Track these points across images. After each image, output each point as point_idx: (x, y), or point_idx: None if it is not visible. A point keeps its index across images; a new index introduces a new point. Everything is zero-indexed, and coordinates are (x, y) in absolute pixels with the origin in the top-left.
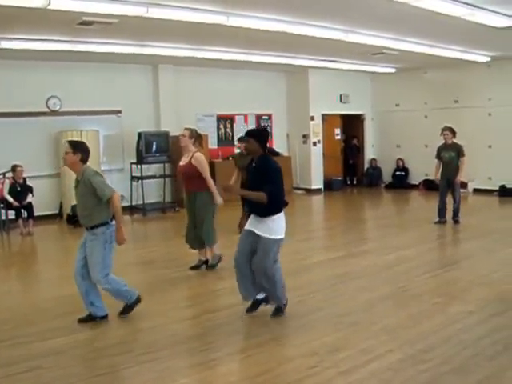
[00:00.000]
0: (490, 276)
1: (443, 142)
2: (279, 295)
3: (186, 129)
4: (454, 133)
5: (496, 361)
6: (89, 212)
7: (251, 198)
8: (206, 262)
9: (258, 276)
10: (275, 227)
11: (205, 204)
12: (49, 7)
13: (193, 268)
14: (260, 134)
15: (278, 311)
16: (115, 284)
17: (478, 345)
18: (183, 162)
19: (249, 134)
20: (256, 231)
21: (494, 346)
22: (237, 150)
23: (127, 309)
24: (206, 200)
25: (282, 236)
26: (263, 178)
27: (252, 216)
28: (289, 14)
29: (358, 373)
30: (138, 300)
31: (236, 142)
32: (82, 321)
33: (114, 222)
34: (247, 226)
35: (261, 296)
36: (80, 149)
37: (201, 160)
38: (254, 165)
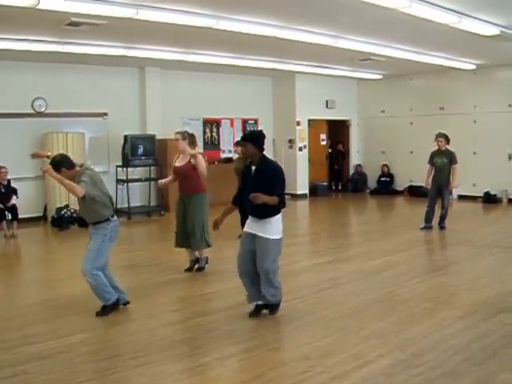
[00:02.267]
0: (477, 282)
1: (436, 147)
2: (272, 293)
3: (177, 133)
4: (448, 139)
5: (486, 366)
6: (89, 211)
7: (267, 203)
8: (198, 260)
9: (261, 276)
10: (274, 227)
11: (199, 206)
12: (38, 7)
13: (187, 270)
14: (256, 138)
15: (273, 308)
16: (100, 281)
17: (467, 350)
18: (180, 162)
19: (245, 138)
20: (255, 232)
21: (483, 351)
22: (222, 155)
23: (103, 310)
24: (201, 202)
25: (280, 236)
26: (269, 180)
27: (250, 218)
28: (279, 19)
29: (349, 378)
30: (117, 303)
31: (222, 147)
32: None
33: (115, 217)
34: (246, 229)
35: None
36: (60, 167)
37: (199, 158)
38: (254, 168)
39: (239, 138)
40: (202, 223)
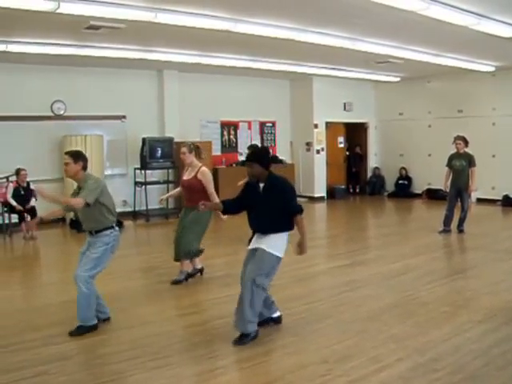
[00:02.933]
0: (497, 285)
1: (455, 150)
2: (249, 320)
3: (183, 146)
4: (466, 142)
5: (507, 370)
6: (92, 218)
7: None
8: (201, 270)
9: (244, 286)
10: (277, 243)
11: (200, 218)
12: (57, 11)
13: (189, 277)
14: (262, 157)
15: (241, 339)
16: (92, 293)
17: (488, 354)
18: (187, 176)
19: (251, 159)
20: (257, 245)
21: (504, 355)
22: (240, 157)
23: (78, 330)
24: (202, 216)
25: (280, 254)
26: (281, 198)
27: (256, 235)
28: (296, 22)
29: (368, 381)
30: (95, 328)
31: (239, 149)
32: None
33: (117, 228)
34: (250, 246)
35: (275, 314)
36: (80, 157)
37: (207, 175)
38: (262, 185)
39: (251, 143)
40: (195, 233)
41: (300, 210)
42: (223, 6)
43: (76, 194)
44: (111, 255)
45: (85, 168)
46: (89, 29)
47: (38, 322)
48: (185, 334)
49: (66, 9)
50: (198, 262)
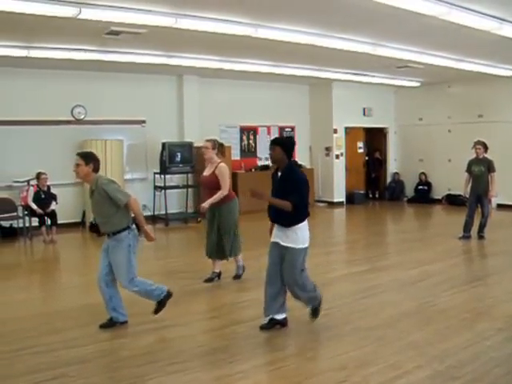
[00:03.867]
0: None
1: (474, 155)
2: (312, 297)
3: (207, 141)
4: (486, 147)
5: None
6: (108, 219)
7: (277, 206)
8: (219, 274)
9: (290, 288)
10: (299, 237)
11: (229, 214)
12: (79, 16)
13: (207, 281)
14: (286, 143)
15: (315, 312)
16: (142, 285)
17: (509, 362)
18: (207, 172)
19: (275, 142)
20: (281, 243)
21: None
22: (259, 162)
23: (159, 306)
24: (229, 211)
25: (306, 245)
26: (289, 187)
27: (276, 227)
28: (316, 27)
29: None
30: (169, 294)
31: (258, 154)
32: (103, 326)
33: (134, 225)
34: (273, 239)
35: (280, 316)
36: (91, 159)
37: (222, 170)
38: (279, 174)
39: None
40: (232, 231)
41: (295, 204)
42: (244, 11)
43: (91, 195)
44: (136, 254)
45: (96, 170)
46: (109, 34)
47: (58, 324)
48: (204, 338)
49: (87, 14)
50: (217, 266)
